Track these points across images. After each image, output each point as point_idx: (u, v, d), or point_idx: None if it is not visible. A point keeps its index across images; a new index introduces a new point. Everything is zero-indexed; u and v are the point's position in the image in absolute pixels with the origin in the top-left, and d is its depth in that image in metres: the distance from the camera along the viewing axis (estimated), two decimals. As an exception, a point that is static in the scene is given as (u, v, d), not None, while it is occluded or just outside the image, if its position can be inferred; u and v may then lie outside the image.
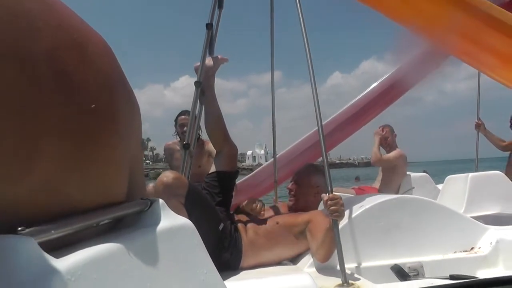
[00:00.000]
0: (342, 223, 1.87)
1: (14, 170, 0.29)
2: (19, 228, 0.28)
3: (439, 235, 2.06)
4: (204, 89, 2.18)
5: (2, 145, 0.28)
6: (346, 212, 1.90)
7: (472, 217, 2.33)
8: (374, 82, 4.36)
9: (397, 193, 3.78)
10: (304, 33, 2.03)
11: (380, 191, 3.89)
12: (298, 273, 1.77)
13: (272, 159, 3.48)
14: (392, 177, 3.96)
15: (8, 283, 0.26)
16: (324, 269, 1.84)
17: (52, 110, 0.31)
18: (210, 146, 2.99)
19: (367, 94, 4.24)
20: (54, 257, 0.29)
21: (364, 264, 1.94)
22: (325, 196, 1.78)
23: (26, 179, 0.30)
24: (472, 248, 2.09)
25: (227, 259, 1.90)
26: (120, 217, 0.41)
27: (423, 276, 1.89)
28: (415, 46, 3.89)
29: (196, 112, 2.20)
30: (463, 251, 2.07)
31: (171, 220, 0.46)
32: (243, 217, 2.16)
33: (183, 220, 0.48)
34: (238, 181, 2.84)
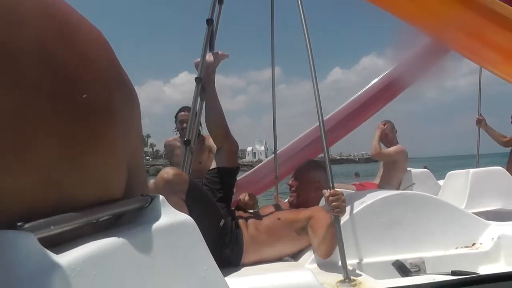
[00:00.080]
0: (343, 219, 1.86)
1: (9, 163, 0.29)
2: (19, 223, 0.28)
3: (440, 231, 2.05)
4: (205, 85, 2.17)
5: None
6: (347, 208, 1.90)
7: (473, 213, 2.33)
8: (374, 78, 4.36)
9: (398, 189, 3.78)
10: (305, 29, 2.02)
11: (381, 187, 3.88)
12: (300, 269, 1.77)
13: (273, 155, 3.48)
14: (392, 173, 3.96)
15: (7, 278, 0.26)
16: (325, 265, 1.84)
17: (43, 102, 0.31)
18: (210, 142, 2.99)
19: (368, 90, 4.24)
20: (54, 253, 0.29)
21: (365, 260, 1.94)
22: (326, 192, 1.78)
23: (20, 172, 0.30)
24: (473, 244, 2.09)
25: (228, 255, 1.90)
26: (121, 214, 0.41)
27: (424, 272, 1.89)
28: (416, 42, 3.88)
29: (197, 108, 2.19)
30: (465, 247, 2.07)
31: (171, 216, 0.46)
32: (244, 213, 2.16)
33: (183, 217, 0.48)
34: (239, 177, 2.84)
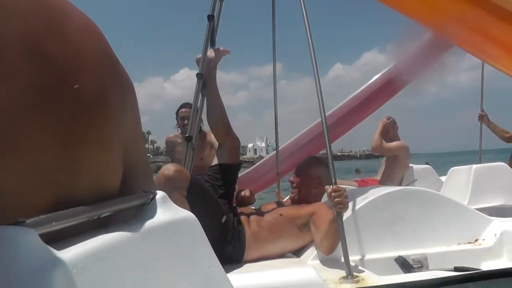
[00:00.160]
0: (346, 215, 1.86)
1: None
2: (20, 219, 0.28)
3: (443, 227, 2.05)
4: (206, 81, 2.16)
5: None
6: (350, 204, 1.89)
7: (476, 209, 2.32)
8: (375, 74, 4.34)
9: (400, 185, 3.77)
10: (306, 24, 2.01)
11: (383, 183, 3.87)
12: (302, 265, 1.77)
13: (274, 151, 3.48)
14: (394, 169, 3.95)
15: (8, 274, 0.25)
16: (328, 261, 1.84)
17: (30, 95, 0.30)
18: (212, 138, 2.98)
19: (369, 86, 4.23)
20: (55, 249, 0.29)
21: (368, 256, 1.94)
22: (329, 187, 1.77)
23: (10, 164, 0.29)
24: (476, 240, 2.08)
25: (230, 252, 1.90)
26: (122, 210, 0.40)
27: (427, 268, 1.88)
28: (418, 37, 3.86)
29: (198, 104, 2.19)
30: (468, 243, 2.06)
31: (173, 213, 0.45)
32: (246, 210, 2.15)
33: (185, 213, 0.48)
34: (240, 174, 2.84)
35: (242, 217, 2.03)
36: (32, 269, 0.26)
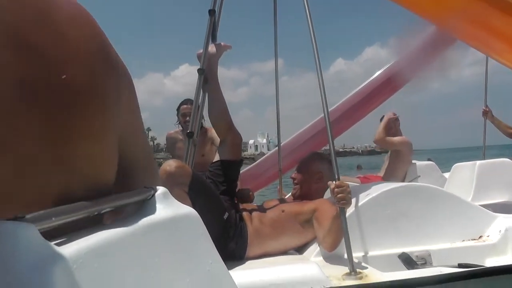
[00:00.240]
0: (349, 211, 1.85)
1: None
2: (19, 214, 0.27)
3: (447, 223, 2.04)
4: (207, 77, 2.15)
5: None
6: (353, 201, 1.88)
7: (480, 205, 2.31)
8: (377, 69, 4.32)
9: (403, 181, 3.76)
10: (309, 19, 2.00)
11: (386, 179, 3.86)
12: (305, 262, 1.77)
13: (276, 148, 3.47)
14: (397, 165, 3.93)
15: (7, 269, 0.25)
16: (331, 258, 1.83)
17: (16, 89, 0.29)
18: (213, 133, 2.97)
19: (371, 82, 4.21)
20: (56, 244, 0.29)
21: (371, 253, 1.93)
22: (332, 183, 1.77)
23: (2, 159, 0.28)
24: (480, 237, 2.07)
25: (232, 248, 1.90)
26: (123, 206, 0.40)
27: (431, 265, 1.88)
28: (420, 31, 3.83)
29: (200, 100, 2.18)
30: (472, 240, 2.05)
31: (175, 209, 0.45)
32: (248, 206, 2.15)
33: (187, 209, 0.48)
34: (241, 170, 2.83)
35: (244, 214, 2.03)
36: (32, 265, 0.26)
